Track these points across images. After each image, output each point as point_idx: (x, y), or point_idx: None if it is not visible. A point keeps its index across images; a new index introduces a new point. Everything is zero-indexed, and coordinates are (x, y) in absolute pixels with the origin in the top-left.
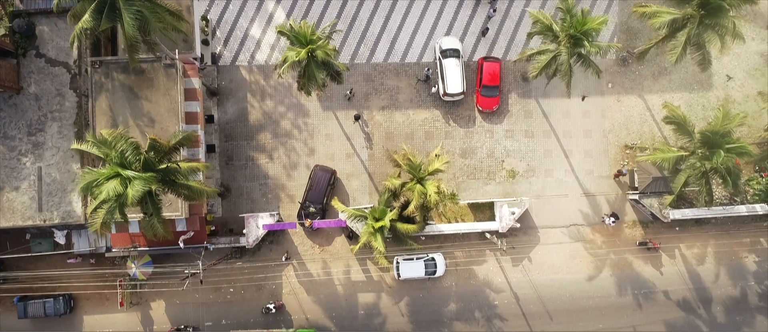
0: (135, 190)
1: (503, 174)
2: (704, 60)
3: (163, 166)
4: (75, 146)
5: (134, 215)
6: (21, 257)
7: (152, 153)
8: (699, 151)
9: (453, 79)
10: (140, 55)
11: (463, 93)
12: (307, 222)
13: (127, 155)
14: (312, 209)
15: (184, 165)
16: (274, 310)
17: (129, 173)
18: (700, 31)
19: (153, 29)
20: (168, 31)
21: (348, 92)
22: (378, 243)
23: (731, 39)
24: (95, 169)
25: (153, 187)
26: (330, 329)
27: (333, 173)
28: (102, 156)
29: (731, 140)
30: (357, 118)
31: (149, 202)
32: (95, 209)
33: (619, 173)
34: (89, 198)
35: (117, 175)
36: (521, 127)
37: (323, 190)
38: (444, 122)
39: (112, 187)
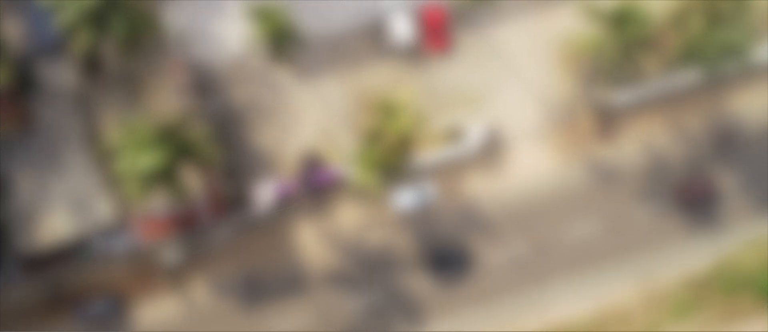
0: (161, 155)
1: (466, 102)
2: None
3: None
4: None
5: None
6: (68, 267)
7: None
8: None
9: (402, 30)
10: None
11: (414, 40)
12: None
13: (145, 134)
14: (303, 191)
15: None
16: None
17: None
18: None
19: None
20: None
21: None
22: (370, 177)
23: None
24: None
25: (172, 154)
26: (347, 270)
27: (316, 157)
28: (126, 144)
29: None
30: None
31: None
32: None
33: None
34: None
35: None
36: (473, 60)
37: (309, 172)
38: (405, 69)
39: (145, 160)
